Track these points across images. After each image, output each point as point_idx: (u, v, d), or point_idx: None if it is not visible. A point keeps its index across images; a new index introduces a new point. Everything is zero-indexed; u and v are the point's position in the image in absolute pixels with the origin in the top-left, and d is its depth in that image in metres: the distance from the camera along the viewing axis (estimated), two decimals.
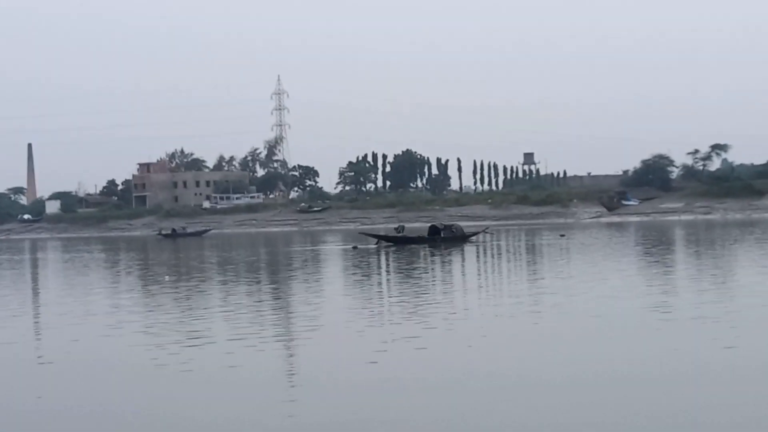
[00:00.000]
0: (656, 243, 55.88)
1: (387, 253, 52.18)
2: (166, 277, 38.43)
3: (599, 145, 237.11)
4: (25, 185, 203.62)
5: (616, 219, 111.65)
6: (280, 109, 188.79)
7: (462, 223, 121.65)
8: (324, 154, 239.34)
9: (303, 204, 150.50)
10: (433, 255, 49.07)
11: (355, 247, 58.37)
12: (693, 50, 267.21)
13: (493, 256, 48.51)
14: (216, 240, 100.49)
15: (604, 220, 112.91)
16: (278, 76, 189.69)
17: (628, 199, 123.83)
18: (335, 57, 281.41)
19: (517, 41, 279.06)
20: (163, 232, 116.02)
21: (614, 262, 39.38)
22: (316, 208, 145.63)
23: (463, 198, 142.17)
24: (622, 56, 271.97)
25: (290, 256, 56.63)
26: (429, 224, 66.35)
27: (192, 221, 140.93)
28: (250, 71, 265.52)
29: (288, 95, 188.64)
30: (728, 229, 72.93)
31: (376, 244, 61.10)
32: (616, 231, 78.53)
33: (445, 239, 60.81)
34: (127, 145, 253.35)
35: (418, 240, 61.53)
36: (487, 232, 66.78)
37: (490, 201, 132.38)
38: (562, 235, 67.15)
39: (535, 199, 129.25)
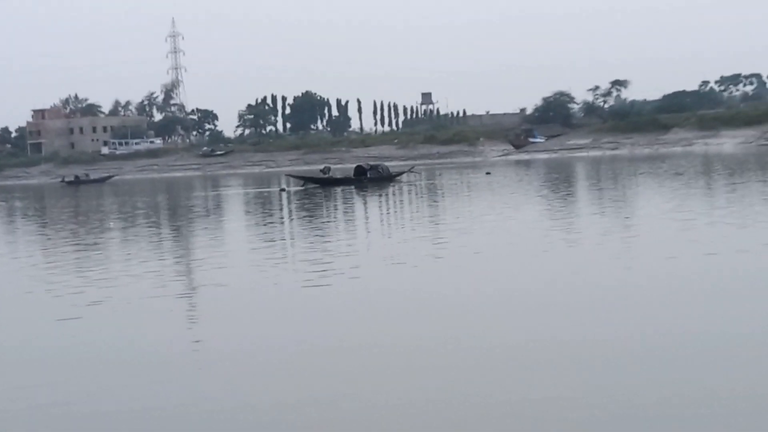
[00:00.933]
0: (567, 179, 55.88)
1: (311, 196, 51.18)
2: (111, 223, 37.03)
3: (496, 84, 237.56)
4: None
5: (524, 156, 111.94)
6: (175, 52, 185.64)
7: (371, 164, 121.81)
8: (222, 97, 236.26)
9: (205, 148, 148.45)
10: (359, 195, 48.37)
11: (282, 190, 57.39)
12: None
13: (422, 195, 47.85)
14: (121, 186, 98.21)
15: (512, 158, 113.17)
16: (172, 18, 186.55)
17: (535, 137, 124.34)
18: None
19: None
20: (66, 179, 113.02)
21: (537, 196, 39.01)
22: (218, 152, 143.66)
23: (368, 139, 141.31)
24: None
25: (217, 200, 55.47)
26: (355, 165, 65.37)
27: (91, 167, 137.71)
28: (143, 13, 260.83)
29: (183, 38, 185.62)
30: (637, 163, 73.41)
31: (302, 185, 60.15)
32: (530, 168, 78.44)
33: (372, 179, 60.04)
34: (17, 91, 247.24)
35: (344, 181, 60.67)
36: (413, 172, 66.18)
37: (396, 141, 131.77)
38: (488, 173, 67.10)
39: (442, 139, 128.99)
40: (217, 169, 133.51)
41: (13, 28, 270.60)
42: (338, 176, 62.66)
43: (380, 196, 47.66)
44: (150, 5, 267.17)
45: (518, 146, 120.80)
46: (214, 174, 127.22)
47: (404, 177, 63.83)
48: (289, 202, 46.79)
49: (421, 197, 46.35)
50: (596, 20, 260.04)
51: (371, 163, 68.37)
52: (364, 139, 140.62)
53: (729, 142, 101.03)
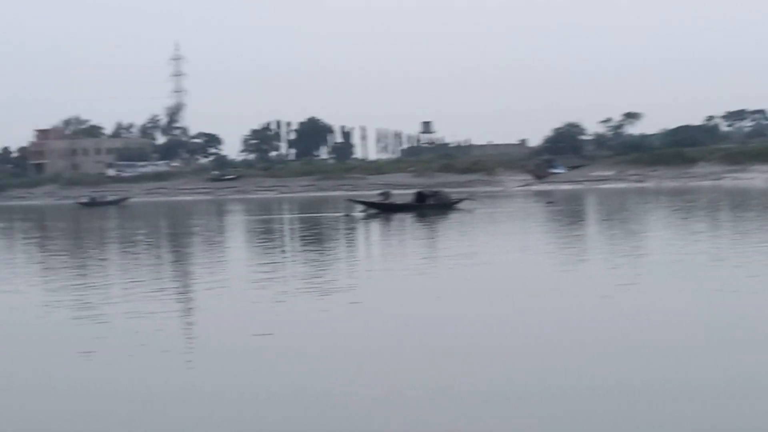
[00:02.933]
0: (640, 211, 54.51)
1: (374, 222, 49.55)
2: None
3: (496, 115, 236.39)
4: None
5: (546, 187, 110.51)
6: (178, 75, 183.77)
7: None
8: (225, 121, 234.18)
9: (214, 172, 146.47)
10: (431, 222, 46.92)
11: (347, 215, 55.73)
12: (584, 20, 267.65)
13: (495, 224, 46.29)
14: (138, 209, 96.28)
15: (534, 188, 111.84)
16: (176, 42, 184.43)
17: (556, 167, 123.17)
18: (235, 20, 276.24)
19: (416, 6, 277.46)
20: (81, 200, 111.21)
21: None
22: (228, 177, 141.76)
23: (383, 166, 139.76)
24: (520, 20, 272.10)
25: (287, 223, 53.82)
26: (415, 191, 63.70)
27: (97, 189, 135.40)
28: (146, 34, 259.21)
29: (186, 61, 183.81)
30: (680, 196, 72.15)
31: (364, 211, 58.50)
32: (582, 199, 77.04)
33: (433, 206, 58.55)
34: (18, 111, 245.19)
35: (405, 207, 59.09)
36: (472, 199, 64.51)
37: (412, 169, 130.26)
38: (550, 202, 65.77)
39: (459, 168, 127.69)
40: (227, 194, 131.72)
41: (13, 47, 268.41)
42: (399, 202, 61.03)
43: (461, 223, 46.07)
44: (152, 28, 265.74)
45: (539, 177, 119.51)
46: (224, 198, 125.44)
47: (463, 204, 62.16)
48: (391, 230, 45.14)
49: (517, 227, 44.75)
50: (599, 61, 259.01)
51: (432, 189, 66.84)
52: (379, 167, 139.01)
53: (760, 177, 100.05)
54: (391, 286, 21.43)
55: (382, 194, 61.60)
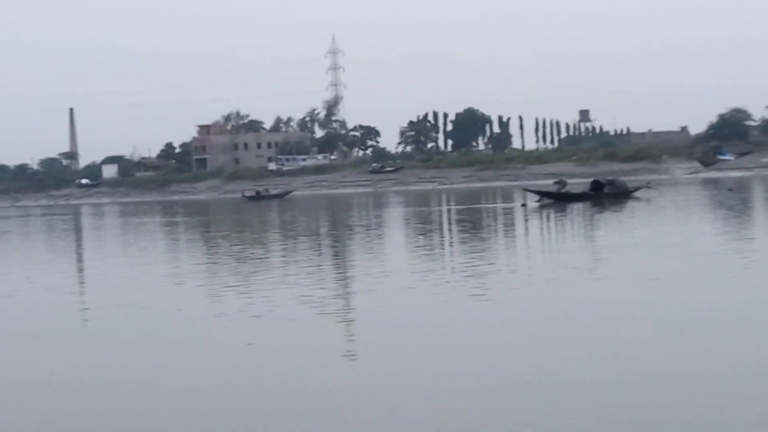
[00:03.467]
0: None
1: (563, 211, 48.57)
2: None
3: (654, 101, 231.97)
4: (66, 150, 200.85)
5: (715, 174, 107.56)
6: (335, 68, 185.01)
7: (548, 181, 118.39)
8: (381, 113, 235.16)
9: (375, 164, 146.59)
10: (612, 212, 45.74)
11: (523, 205, 54.93)
12: None
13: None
14: (304, 202, 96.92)
15: (701, 175, 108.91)
16: (333, 35, 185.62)
17: (724, 154, 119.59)
18: (391, 12, 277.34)
19: None
20: (247, 194, 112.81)
21: None
22: (388, 169, 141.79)
23: (545, 155, 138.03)
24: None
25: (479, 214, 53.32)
26: (591, 179, 62.50)
27: (259, 183, 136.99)
28: (303, 30, 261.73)
29: (343, 54, 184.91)
30: None
31: (538, 201, 57.55)
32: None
33: (609, 195, 57.26)
34: (179, 108, 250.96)
35: (581, 196, 57.94)
36: (649, 187, 62.79)
37: (574, 158, 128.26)
38: (730, 189, 63.79)
39: (623, 156, 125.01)
40: (387, 186, 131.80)
41: (175, 44, 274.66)
42: (574, 191, 59.87)
43: (649, 213, 44.80)
44: (309, 21, 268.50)
45: (707, 164, 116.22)
46: (385, 190, 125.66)
47: (640, 193, 60.60)
48: (584, 219, 44.24)
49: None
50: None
51: (608, 177, 65.51)
52: (540, 156, 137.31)
53: None
54: (633, 268, 20.63)
55: (557, 183, 60.48)
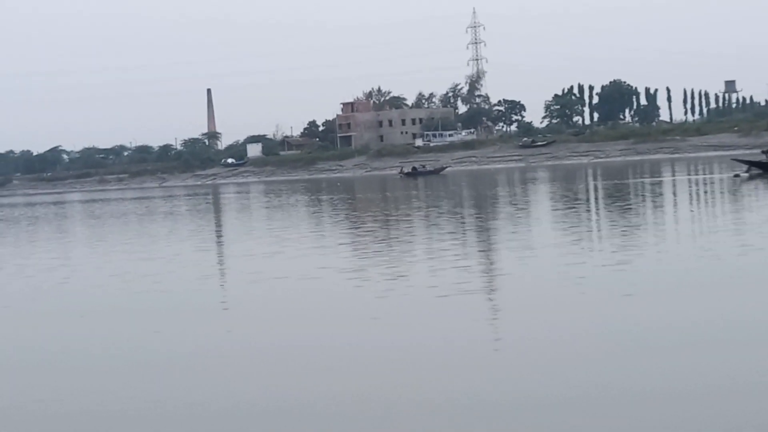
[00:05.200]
0: None
1: None
2: None
3: None
4: (206, 130, 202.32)
5: None
6: (476, 43, 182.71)
7: (710, 153, 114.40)
8: (524, 87, 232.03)
9: (525, 139, 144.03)
10: None
11: (737, 175, 52.37)
12: None
13: None
14: (459, 178, 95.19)
15: None
16: (473, 8, 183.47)
17: None
18: None
19: None
20: (404, 170, 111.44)
21: None
22: (539, 143, 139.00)
23: (704, 127, 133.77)
24: None
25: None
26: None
27: (406, 160, 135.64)
28: (443, 5, 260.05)
29: (484, 28, 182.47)
30: None
31: (746, 171, 54.75)
32: None
33: None
34: (321, 85, 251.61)
35: None
36: None
37: (736, 129, 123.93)
38: None
39: None
40: (540, 161, 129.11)
41: (311, 21, 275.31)
42: None
43: None
44: None
45: None
46: (537, 165, 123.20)
47: None
48: None
49: None
50: None
51: None
52: (699, 128, 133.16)
53: None
54: None
55: (765, 152, 57.26)
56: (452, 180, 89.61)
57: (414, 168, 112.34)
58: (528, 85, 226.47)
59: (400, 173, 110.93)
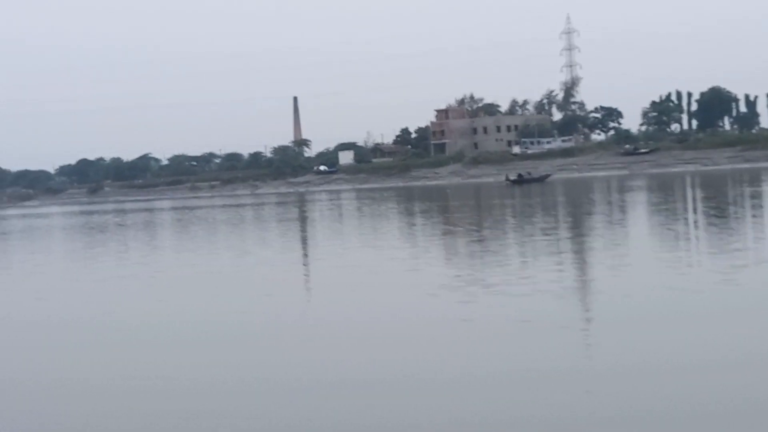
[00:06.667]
0: None
1: None
2: None
3: None
4: (292, 138, 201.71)
5: None
6: (570, 49, 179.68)
7: None
8: (619, 94, 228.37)
9: (627, 146, 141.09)
10: None
11: None
12: None
13: None
14: (566, 186, 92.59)
15: None
16: (567, 14, 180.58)
17: None
18: None
19: None
20: (510, 177, 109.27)
21: None
22: (642, 150, 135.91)
23: None
24: None
25: None
26: None
27: (503, 168, 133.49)
28: (536, 11, 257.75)
29: (579, 34, 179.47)
30: None
31: None
32: None
33: None
34: (411, 92, 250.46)
35: None
36: None
37: None
38: None
39: None
40: (644, 168, 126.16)
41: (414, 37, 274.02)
42: None
43: None
44: (542, 1, 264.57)
45: None
46: (641, 173, 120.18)
47: None
48: None
49: None
50: None
51: None
52: None
53: None
54: None
55: None
56: (561, 188, 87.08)
57: (520, 175, 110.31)
58: (623, 92, 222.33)
59: (506, 180, 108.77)
